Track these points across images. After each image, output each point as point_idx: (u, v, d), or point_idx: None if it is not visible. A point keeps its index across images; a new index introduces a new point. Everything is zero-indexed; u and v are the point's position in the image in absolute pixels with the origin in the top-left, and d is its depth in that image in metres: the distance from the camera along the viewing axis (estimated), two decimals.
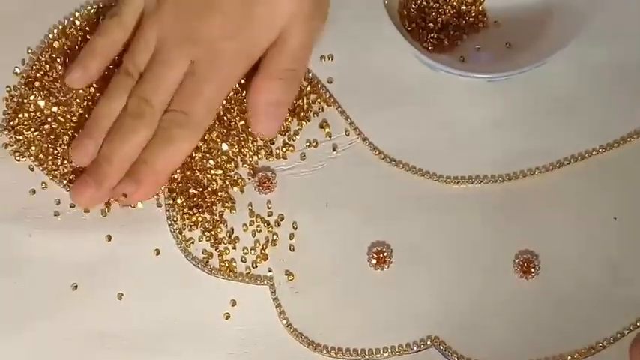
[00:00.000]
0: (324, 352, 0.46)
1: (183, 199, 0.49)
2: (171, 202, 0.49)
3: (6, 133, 0.51)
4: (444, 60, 0.49)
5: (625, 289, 0.46)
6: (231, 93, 0.50)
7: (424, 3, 0.52)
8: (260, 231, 0.49)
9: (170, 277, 0.48)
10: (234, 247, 0.48)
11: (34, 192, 0.50)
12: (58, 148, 0.50)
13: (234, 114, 0.50)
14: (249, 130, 0.50)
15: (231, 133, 0.50)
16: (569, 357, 0.45)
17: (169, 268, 0.48)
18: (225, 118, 0.50)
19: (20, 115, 0.51)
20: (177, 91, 0.49)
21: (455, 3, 0.52)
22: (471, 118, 0.50)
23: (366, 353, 0.46)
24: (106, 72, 0.51)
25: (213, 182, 0.49)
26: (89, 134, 0.49)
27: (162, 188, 0.49)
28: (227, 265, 0.48)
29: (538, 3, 0.51)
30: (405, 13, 0.52)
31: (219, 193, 0.49)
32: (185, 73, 0.49)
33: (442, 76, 0.49)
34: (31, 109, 0.51)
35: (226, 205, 0.49)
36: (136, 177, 0.48)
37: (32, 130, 0.51)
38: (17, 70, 0.52)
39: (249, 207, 0.49)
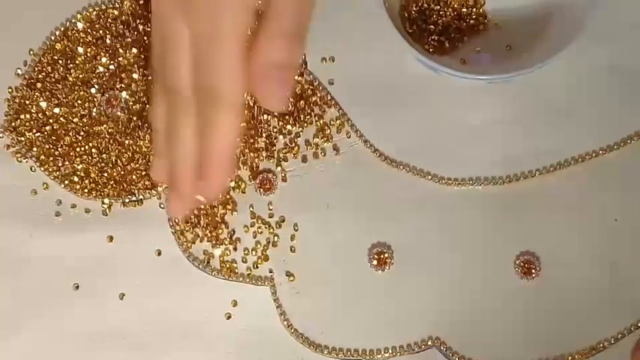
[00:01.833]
0: (325, 352, 0.46)
1: None
2: None
3: (7, 134, 0.51)
4: (444, 62, 0.49)
5: (626, 290, 0.46)
6: None
7: (425, 5, 0.52)
8: (261, 232, 0.49)
9: (171, 277, 0.48)
10: (235, 248, 0.48)
11: (36, 192, 0.50)
12: (59, 149, 0.50)
13: None
14: (258, 103, 0.45)
15: None
16: (570, 357, 0.45)
17: (170, 268, 0.48)
18: None
19: (22, 117, 0.51)
20: (194, 64, 0.42)
21: (455, 5, 0.52)
22: (471, 120, 0.50)
23: (367, 354, 0.46)
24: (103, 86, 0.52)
25: None
26: (156, 154, 0.47)
27: (163, 187, 0.49)
28: (228, 266, 0.48)
29: (538, 5, 0.51)
30: (406, 15, 0.52)
31: (221, 195, 0.49)
32: (190, 44, 0.42)
33: (443, 78, 0.49)
34: (32, 111, 0.51)
35: (228, 206, 0.49)
36: (203, 171, 0.43)
37: (34, 131, 0.51)
38: (19, 72, 0.53)
39: (251, 208, 0.49)
